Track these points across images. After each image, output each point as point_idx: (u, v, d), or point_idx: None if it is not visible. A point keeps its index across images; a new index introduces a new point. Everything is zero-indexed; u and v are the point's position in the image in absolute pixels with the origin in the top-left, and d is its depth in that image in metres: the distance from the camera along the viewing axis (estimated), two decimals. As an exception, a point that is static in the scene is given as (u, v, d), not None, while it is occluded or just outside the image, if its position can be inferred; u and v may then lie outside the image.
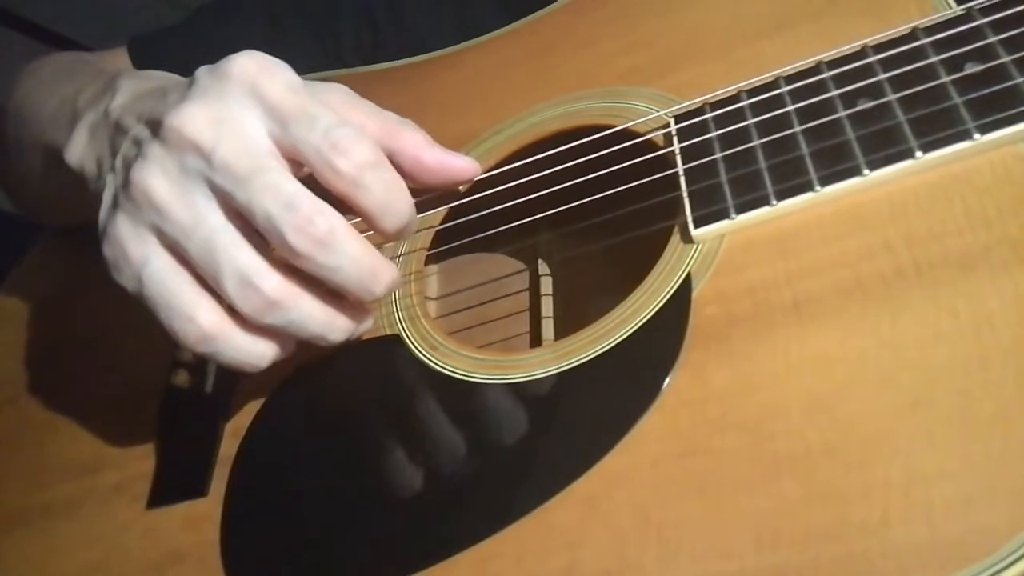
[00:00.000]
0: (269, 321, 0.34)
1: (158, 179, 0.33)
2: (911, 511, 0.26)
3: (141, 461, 0.45)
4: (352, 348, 0.43)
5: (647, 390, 0.33)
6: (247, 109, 0.33)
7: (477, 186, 0.46)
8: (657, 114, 0.42)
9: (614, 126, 0.43)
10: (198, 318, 0.34)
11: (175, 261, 0.34)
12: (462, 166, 0.38)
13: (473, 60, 0.52)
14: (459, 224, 0.45)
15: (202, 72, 0.35)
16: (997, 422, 0.27)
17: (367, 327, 0.38)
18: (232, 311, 0.34)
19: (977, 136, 0.32)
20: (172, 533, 0.41)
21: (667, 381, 0.33)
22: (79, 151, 0.40)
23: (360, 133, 0.33)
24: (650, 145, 0.41)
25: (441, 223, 0.46)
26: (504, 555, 0.33)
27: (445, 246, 0.46)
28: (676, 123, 0.40)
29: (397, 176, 0.34)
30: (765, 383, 0.31)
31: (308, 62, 0.59)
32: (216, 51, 0.63)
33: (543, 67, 0.49)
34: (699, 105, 0.40)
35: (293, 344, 0.36)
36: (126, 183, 0.34)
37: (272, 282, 0.33)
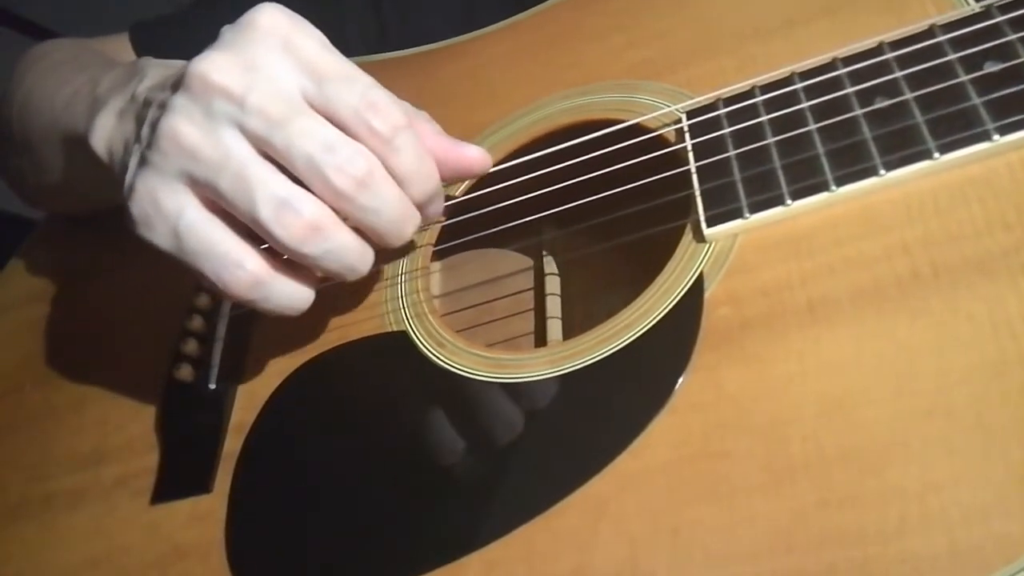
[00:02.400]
0: (308, 250, 0.33)
1: (185, 124, 0.33)
2: (928, 518, 0.26)
3: (144, 455, 0.44)
4: (358, 344, 0.42)
5: (659, 392, 0.33)
6: (280, 60, 0.33)
7: (483, 181, 0.45)
8: (668, 109, 0.41)
9: (624, 121, 0.42)
10: (247, 263, 0.34)
11: (210, 209, 0.34)
12: (475, 156, 0.38)
13: (480, 51, 0.51)
14: (465, 220, 0.45)
15: (227, 28, 0.34)
16: (1015, 430, 0.27)
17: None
18: (274, 253, 0.34)
19: (996, 137, 0.32)
20: (176, 529, 0.41)
21: (679, 383, 0.33)
22: (106, 135, 0.39)
23: (394, 97, 0.34)
24: (661, 141, 0.41)
25: (447, 219, 0.45)
26: (513, 557, 0.32)
27: (451, 242, 0.46)
28: (688, 119, 0.40)
29: (424, 143, 0.35)
30: (779, 386, 0.31)
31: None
32: None
33: (552, 59, 0.48)
34: (712, 100, 0.40)
35: (314, 284, 0.37)
36: (152, 139, 0.34)
37: (311, 205, 0.33)
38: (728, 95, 0.39)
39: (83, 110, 0.42)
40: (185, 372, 0.44)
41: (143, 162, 0.35)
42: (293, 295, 0.36)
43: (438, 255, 0.46)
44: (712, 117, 0.39)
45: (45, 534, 0.45)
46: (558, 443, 0.34)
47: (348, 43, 0.58)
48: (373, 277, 0.45)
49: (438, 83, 0.52)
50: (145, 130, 0.35)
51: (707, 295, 0.34)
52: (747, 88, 0.39)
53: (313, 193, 0.33)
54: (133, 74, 0.40)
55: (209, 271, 0.34)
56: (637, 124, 0.42)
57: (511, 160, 0.45)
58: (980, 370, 0.28)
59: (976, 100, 0.33)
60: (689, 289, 0.35)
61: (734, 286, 0.34)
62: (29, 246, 0.64)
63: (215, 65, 0.32)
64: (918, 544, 0.26)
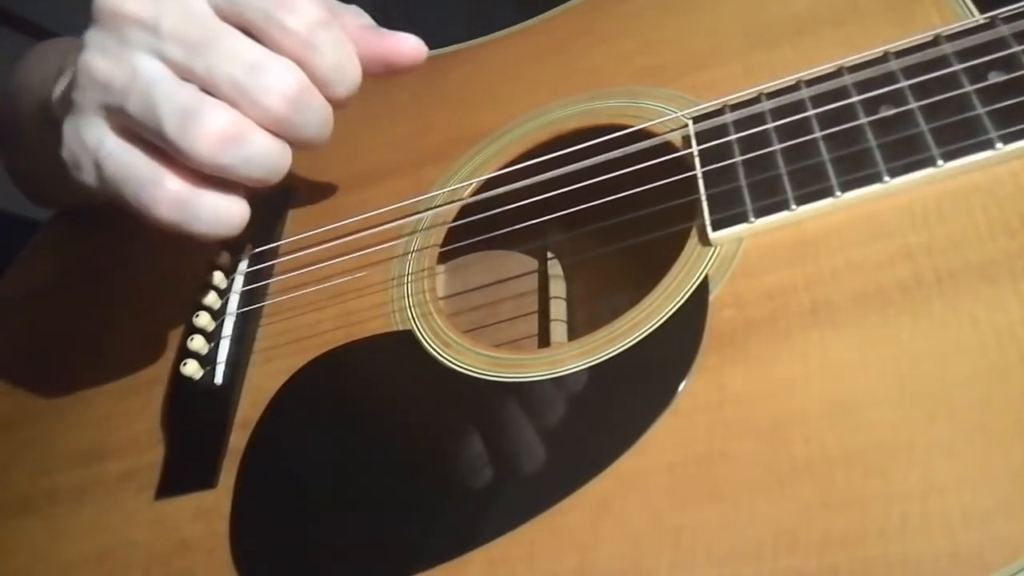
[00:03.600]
0: (224, 160, 0.32)
1: (98, 57, 0.32)
2: (930, 520, 0.26)
3: (149, 451, 0.44)
4: (364, 343, 0.43)
5: (663, 393, 0.33)
6: None
7: (491, 184, 0.46)
8: (675, 115, 0.42)
9: (631, 126, 0.43)
10: (165, 182, 0.33)
11: (127, 137, 0.33)
12: (408, 47, 0.37)
13: (489, 56, 0.52)
14: (471, 222, 0.45)
15: None
16: (1016, 433, 0.27)
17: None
18: (195, 171, 0.33)
19: (1000, 146, 0.32)
20: (180, 524, 0.41)
21: (683, 384, 0.33)
22: (57, 91, 0.39)
23: None
24: (668, 146, 0.41)
25: (454, 220, 0.46)
26: (516, 555, 0.33)
27: (458, 243, 0.46)
28: (695, 124, 0.40)
29: (346, 36, 0.34)
30: (783, 388, 0.31)
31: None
32: None
33: (559, 64, 0.49)
34: (718, 107, 0.40)
35: (244, 195, 0.35)
36: (73, 79, 0.33)
37: (220, 115, 0.32)
38: (735, 102, 0.40)
39: (52, 82, 0.42)
40: (191, 368, 0.45)
41: (68, 105, 0.34)
42: (222, 210, 0.34)
43: (444, 256, 0.47)
44: (719, 123, 0.39)
45: (50, 529, 0.45)
46: (562, 442, 0.35)
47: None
48: (380, 276, 0.45)
49: (447, 87, 0.53)
50: (68, 74, 0.35)
51: (712, 298, 0.35)
52: (754, 95, 0.39)
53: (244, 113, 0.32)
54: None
55: (130, 195, 0.33)
56: (644, 129, 0.42)
57: (519, 163, 0.45)
58: (983, 374, 0.28)
59: (980, 109, 0.33)
60: (694, 292, 0.35)
61: (739, 289, 0.34)
62: (34, 245, 0.64)
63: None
64: (919, 545, 0.26)
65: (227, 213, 0.34)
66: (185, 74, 0.32)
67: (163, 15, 0.31)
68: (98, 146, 0.33)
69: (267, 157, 0.33)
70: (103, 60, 0.32)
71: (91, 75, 0.32)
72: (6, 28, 1.26)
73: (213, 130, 0.31)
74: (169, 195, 0.33)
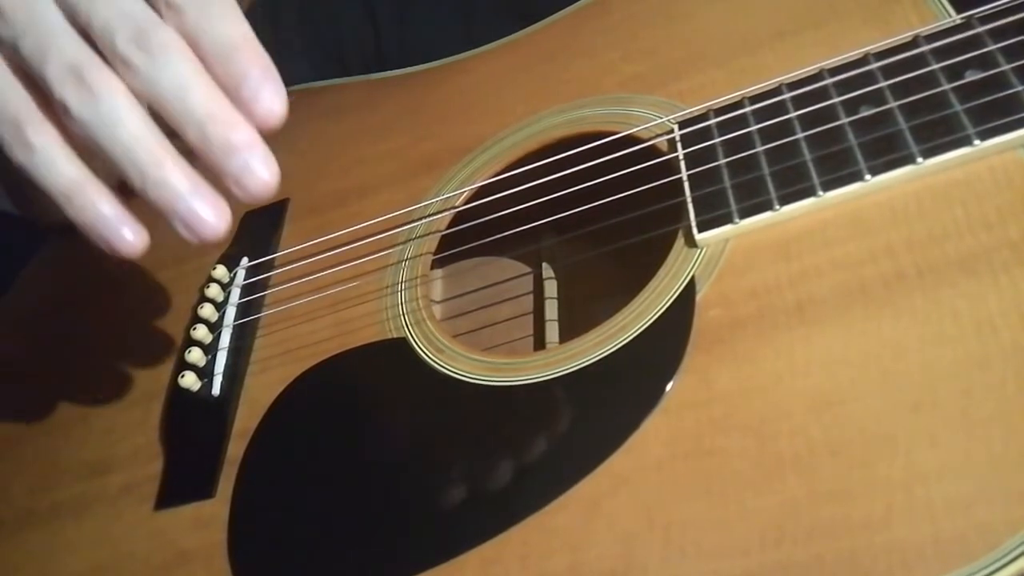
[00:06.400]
0: (83, 114, 0.30)
1: None
2: (913, 509, 0.27)
3: (149, 463, 0.45)
4: (359, 351, 0.43)
5: (651, 392, 0.34)
6: None
7: (483, 192, 0.46)
8: (661, 120, 0.42)
9: (618, 132, 0.43)
10: (25, 127, 0.31)
11: (13, 69, 0.32)
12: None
13: (479, 68, 0.53)
14: (464, 229, 0.46)
15: None
16: (998, 422, 0.27)
17: (207, 218, 0.31)
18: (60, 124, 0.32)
19: (977, 142, 0.32)
20: (179, 534, 0.41)
21: (671, 383, 0.33)
22: None
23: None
24: (654, 151, 0.42)
25: (447, 228, 0.47)
26: (509, 555, 0.33)
27: (450, 251, 0.47)
28: (680, 129, 0.41)
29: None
30: (769, 384, 0.32)
31: (310, 64, 0.60)
32: None
33: (548, 74, 0.49)
34: (702, 112, 0.41)
35: (108, 180, 0.32)
36: None
37: (95, 71, 0.30)
38: (719, 106, 0.40)
39: None
40: (189, 380, 0.45)
41: None
42: (65, 173, 0.31)
43: (439, 263, 0.47)
44: (703, 127, 0.40)
45: (51, 542, 0.45)
46: (553, 443, 0.35)
47: (345, 60, 0.60)
48: (374, 285, 0.46)
49: (437, 100, 0.53)
50: None
51: (699, 298, 0.35)
52: (737, 99, 0.40)
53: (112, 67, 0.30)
54: None
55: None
56: (631, 135, 0.43)
57: (509, 171, 0.46)
58: (963, 365, 0.29)
59: (958, 107, 0.34)
60: (681, 292, 0.36)
61: (725, 288, 0.35)
62: (38, 262, 0.65)
63: None
64: (904, 534, 0.26)
65: (65, 178, 0.31)
66: (71, 14, 0.31)
67: None
68: None
69: (123, 130, 0.30)
70: None
71: None
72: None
73: (82, 80, 0.30)
74: (24, 142, 0.31)
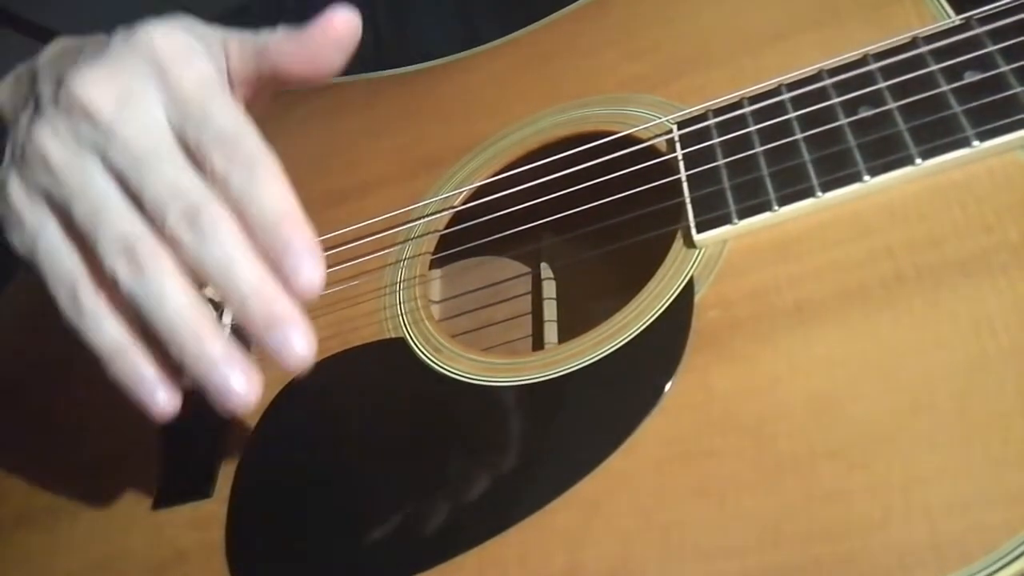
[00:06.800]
0: (129, 286, 0.31)
1: (51, 141, 0.32)
2: (911, 511, 0.27)
3: (146, 462, 0.45)
4: (357, 351, 0.43)
5: (650, 393, 0.34)
6: (154, 93, 0.32)
7: (482, 191, 0.46)
8: (660, 120, 0.42)
9: (617, 132, 0.43)
10: (79, 292, 0.33)
11: (65, 231, 0.33)
12: (336, 17, 0.35)
13: (478, 67, 0.53)
14: (463, 229, 0.46)
15: (117, 37, 0.33)
16: (995, 425, 0.27)
17: (239, 391, 0.31)
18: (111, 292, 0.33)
19: (976, 143, 0.32)
20: (177, 534, 0.41)
21: (670, 384, 0.33)
22: (2, 97, 0.40)
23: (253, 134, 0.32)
24: (653, 151, 0.42)
25: (446, 228, 0.46)
26: (508, 556, 0.33)
27: (449, 250, 0.47)
28: (679, 129, 0.41)
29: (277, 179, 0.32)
30: (767, 385, 0.32)
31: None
32: None
33: (547, 74, 0.49)
34: (702, 112, 0.41)
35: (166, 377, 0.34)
36: (24, 145, 0.34)
37: (143, 247, 0.31)
38: (718, 106, 0.40)
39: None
40: (187, 380, 0.45)
41: (14, 162, 0.34)
42: (110, 336, 0.33)
43: (437, 263, 0.47)
44: (702, 127, 0.40)
45: (48, 541, 0.45)
46: (552, 444, 0.35)
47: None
48: (372, 285, 0.46)
49: (437, 99, 0.53)
50: (24, 119, 0.35)
51: (697, 298, 0.35)
52: (736, 99, 0.40)
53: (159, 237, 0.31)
54: (48, 46, 0.40)
55: (49, 287, 0.34)
56: (630, 135, 0.43)
57: (509, 171, 0.46)
58: (962, 367, 0.29)
59: (957, 108, 0.34)
60: (680, 293, 0.36)
61: (723, 289, 0.35)
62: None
63: (91, 88, 0.32)
64: (902, 535, 0.27)
65: (111, 341, 0.33)
66: (122, 180, 0.32)
67: (119, 122, 0.32)
68: (37, 233, 0.34)
69: (169, 306, 0.31)
70: (57, 147, 0.32)
71: (44, 158, 0.32)
72: (6, 28, 1.27)
73: (133, 255, 0.31)
74: (77, 304, 0.33)
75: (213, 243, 0.30)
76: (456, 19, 0.57)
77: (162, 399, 0.33)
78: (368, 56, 0.59)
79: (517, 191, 0.44)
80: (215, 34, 0.35)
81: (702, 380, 0.33)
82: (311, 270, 0.30)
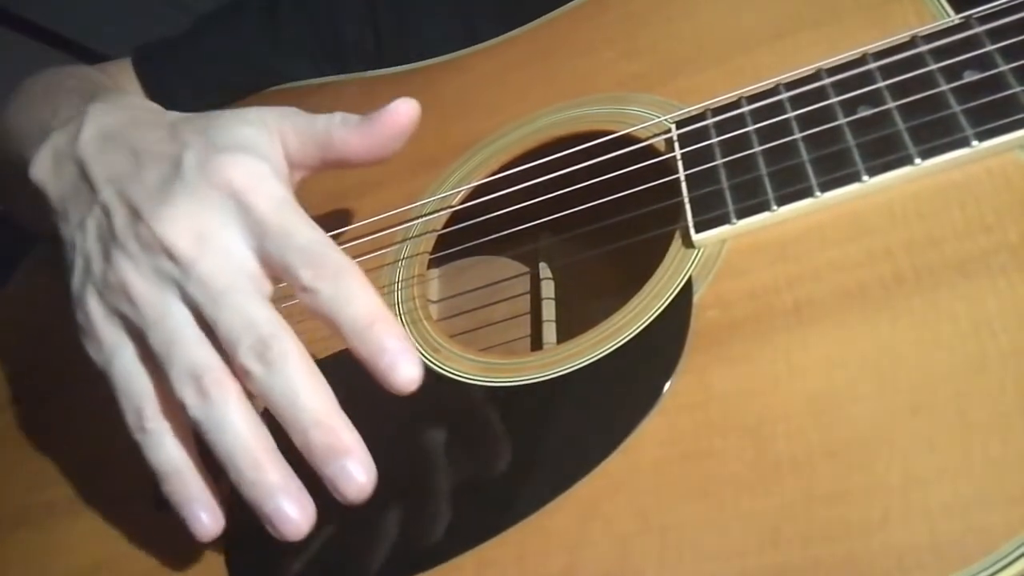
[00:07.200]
0: (195, 413, 0.33)
1: (134, 275, 0.35)
2: (910, 512, 0.27)
3: (146, 463, 0.45)
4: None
5: (648, 393, 0.34)
6: (233, 227, 0.34)
7: (480, 191, 0.46)
8: (658, 120, 0.42)
9: (616, 132, 0.43)
10: (145, 413, 0.35)
11: (140, 354, 0.36)
12: (402, 109, 0.37)
13: (476, 65, 0.52)
14: (461, 228, 0.46)
15: (190, 163, 0.35)
16: (995, 426, 0.27)
17: (293, 518, 0.32)
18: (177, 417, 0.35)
19: (976, 143, 0.32)
20: (176, 535, 0.41)
21: (668, 384, 0.33)
22: (41, 172, 0.41)
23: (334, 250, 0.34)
24: (651, 151, 0.41)
25: (444, 227, 0.46)
26: (506, 557, 0.33)
27: (447, 250, 0.47)
28: (677, 129, 0.40)
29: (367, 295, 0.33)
30: (766, 386, 0.32)
31: (309, 64, 0.60)
32: (220, 62, 0.63)
33: (545, 73, 0.49)
34: (700, 111, 0.41)
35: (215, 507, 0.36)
36: (104, 269, 0.36)
37: (211, 378, 0.33)
38: (716, 106, 0.40)
39: (36, 141, 0.43)
40: None
41: (91, 279, 0.36)
42: (167, 456, 0.35)
43: (435, 263, 0.47)
44: (700, 127, 0.40)
45: (47, 540, 0.45)
46: (550, 444, 0.35)
47: (344, 55, 0.60)
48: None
49: (435, 98, 0.53)
50: (92, 232, 0.37)
51: (696, 299, 0.35)
52: (735, 99, 0.40)
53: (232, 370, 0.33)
54: (79, 113, 0.41)
55: (119, 402, 0.36)
56: (628, 134, 0.42)
57: (507, 170, 0.46)
58: (961, 368, 0.29)
59: (956, 108, 0.34)
60: (678, 293, 0.36)
61: (722, 289, 0.35)
62: (32, 260, 0.64)
63: (171, 227, 0.34)
64: (901, 537, 0.26)
65: (168, 461, 0.35)
66: (197, 311, 0.34)
67: (199, 260, 0.33)
68: (113, 353, 0.36)
69: (229, 431, 0.33)
70: (139, 280, 0.34)
71: (125, 289, 0.35)
72: (6, 28, 1.27)
73: (200, 384, 0.33)
74: (141, 422, 0.35)
75: (280, 376, 0.32)
76: (456, 18, 0.57)
77: (206, 521, 0.35)
78: (368, 55, 0.59)
79: (515, 190, 0.44)
80: (271, 127, 0.37)
81: (701, 380, 0.33)
82: (408, 367, 0.32)
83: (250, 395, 0.34)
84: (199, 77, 0.61)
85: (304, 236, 0.34)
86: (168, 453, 0.35)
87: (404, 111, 0.37)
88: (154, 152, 0.37)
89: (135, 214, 0.35)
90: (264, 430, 0.33)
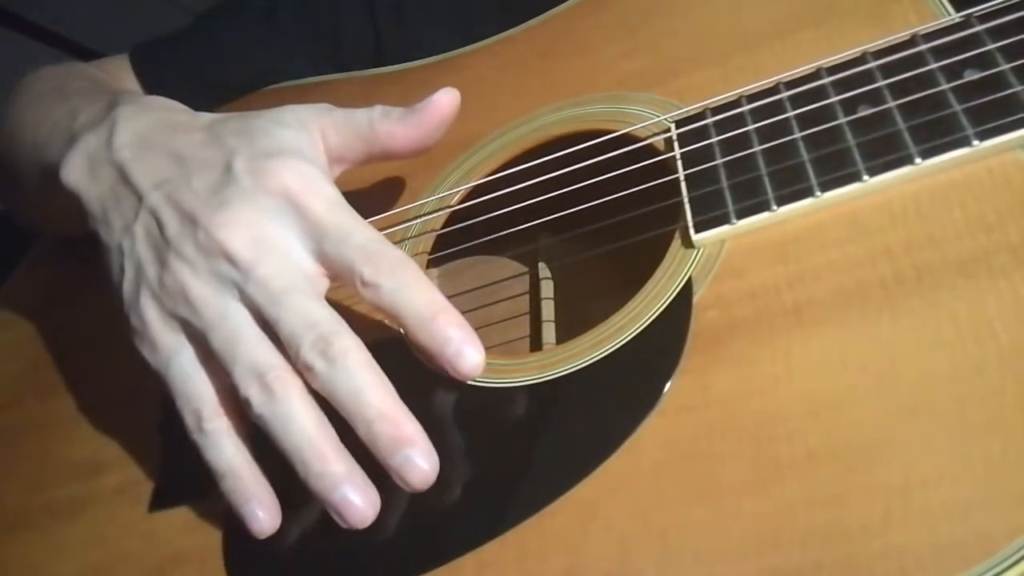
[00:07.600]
0: (260, 411, 0.34)
1: (192, 279, 0.35)
2: (911, 514, 0.27)
3: (143, 463, 0.45)
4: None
5: (648, 394, 0.33)
6: (290, 230, 0.35)
7: (479, 190, 0.46)
8: (658, 119, 0.42)
9: (615, 131, 0.43)
10: (204, 414, 0.36)
11: (199, 356, 0.36)
12: (444, 99, 0.39)
13: (475, 64, 0.52)
14: (461, 228, 0.46)
15: (241, 169, 0.36)
16: (995, 428, 0.27)
17: (360, 506, 0.33)
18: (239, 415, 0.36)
19: (976, 143, 0.32)
20: (174, 536, 0.41)
21: (668, 385, 0.33)
22: (75, 176, 0.41)
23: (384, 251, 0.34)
24: (651, 150, 0.41)
25: (443, 227, 0.46)
26: (506, 558, 0.33)
27: (446, 250, 0.46)
28: (677, 128, 0.40)
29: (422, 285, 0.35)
30: (766, 387, 0.31)
31: (308, 63, 0.60)
32: (219, 60, 0.63)
33: (545, 71, 0.49)
34: (700, 110, 0.40)
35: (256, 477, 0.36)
36: (160, 273, 0.36)
37: (275, 375, 0.33)
38: (716, 105, 0.40)
39: (60, 144, 0.43)
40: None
41: (145, 284, 0.37)
42: (226, 456, 0.36)
43: (433, 263, 0.47)
44: (700, 126, 0.39)
45: (45, 542, 0.45)
46: (550, 446, 0.35)
47: (343, 55, 0.60)
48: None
49: (434, 96, 0.53)
50: (141, 238, 0.37)
51: (696, 299, 0.35)
52: (734, 98, 0.40)
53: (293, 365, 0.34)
54: (106, 116, 0.41)
55: (178, 403, 0.37)
56: (627, 134, 0.42)
57: (505, 170, 0.46)
58: (962, 369, 0.29)
59: (956, 107, 0.33)
60: (678, 293, 0.36)
61: (722, 290, 0.35)
62: (31, 260, 0.64)
63: (228, 232, 0.34)
64: (901, 539, 0.26)
65: (226, 460, 0.36)
66: (257, 312, 0.34)
67: (258, 263, 0.34)
68: (172, 355, 0.36)
69: (294, 426, 0.33)
70: (199, 284, 0.35)
71: (185, 294, 0.35)
72: (6, 28, 1.27)
73: (264, 381, 0.33)
74: (200, 423, 0.36)
75: (343, 371, 0.33)
76: (456, 19, 0.57)
77: (263, 518, 0.36)
78: (367, 54, 0.59)
79: (514, 190, 0.44)
80: (312, 127, 0.38)
81: (701, 381, 0.33)
82: (472, 354, 0.33)
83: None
84: (198, 75, 0.61)
85: (361, 234, 0.35)
86: (227, 453, 0.36)
87: (447, 100, 0.39)
88: (199, 157, 0.37)
89: (190, 219, 0.35)
90: (327, 423, 0.34)
